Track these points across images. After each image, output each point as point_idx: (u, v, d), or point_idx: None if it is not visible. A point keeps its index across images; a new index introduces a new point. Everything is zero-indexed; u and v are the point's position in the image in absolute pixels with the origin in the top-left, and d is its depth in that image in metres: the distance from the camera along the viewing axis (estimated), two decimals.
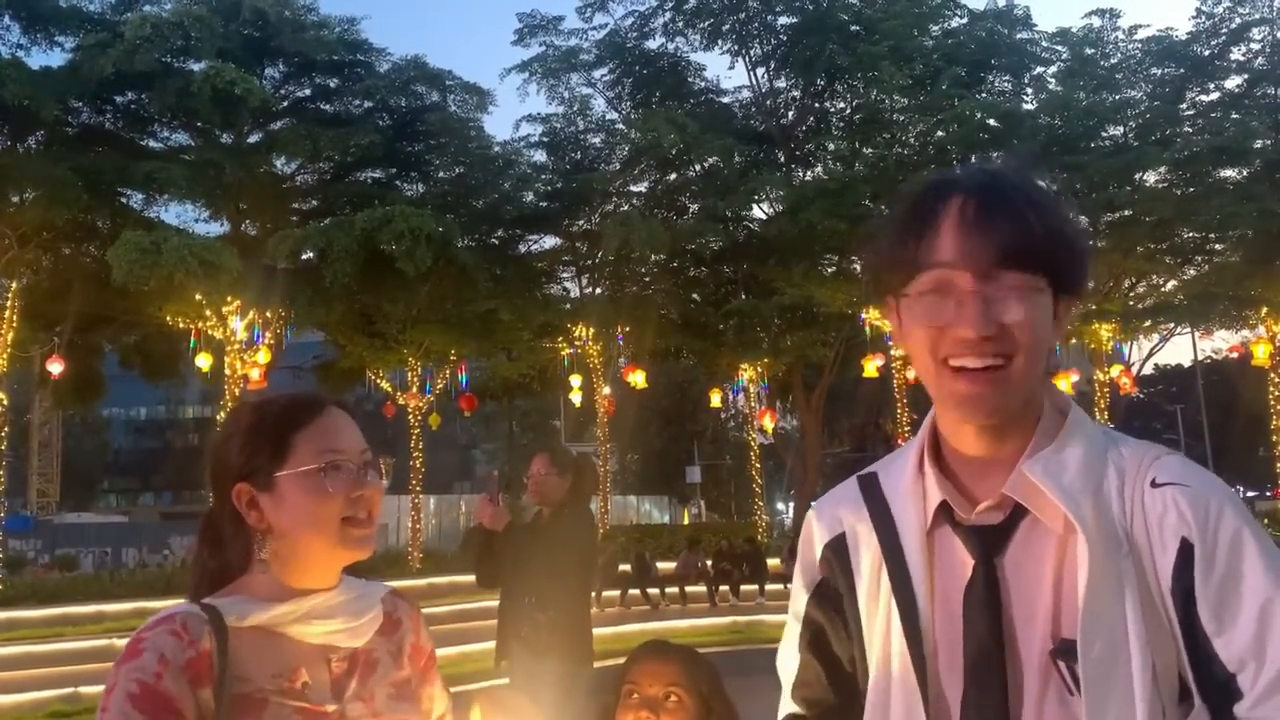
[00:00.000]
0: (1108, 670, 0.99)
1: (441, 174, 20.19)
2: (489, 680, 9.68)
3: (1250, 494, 35.06)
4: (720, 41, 22.13)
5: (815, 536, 1.24)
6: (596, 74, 21.96)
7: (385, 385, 19.98)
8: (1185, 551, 1.02)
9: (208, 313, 16.03)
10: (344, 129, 18.10)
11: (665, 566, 17.79)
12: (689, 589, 16.62)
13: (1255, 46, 19.60)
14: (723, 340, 20.53)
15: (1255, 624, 0.99)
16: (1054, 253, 1.06)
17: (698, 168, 21.35)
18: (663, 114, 19.47)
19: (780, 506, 41.92)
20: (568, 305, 20.86)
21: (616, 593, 15.54)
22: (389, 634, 1.45)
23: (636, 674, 1.95)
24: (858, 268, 20.95)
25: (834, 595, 1.20)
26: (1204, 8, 19.54)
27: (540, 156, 21.53)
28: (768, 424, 22.54)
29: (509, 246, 20.84)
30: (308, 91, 19.53)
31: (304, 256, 16.80)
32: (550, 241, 21.52)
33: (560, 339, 20.46)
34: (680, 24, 21.99)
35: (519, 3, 50.17)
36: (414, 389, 19.43)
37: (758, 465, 22.06)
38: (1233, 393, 30.54)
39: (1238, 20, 19.43)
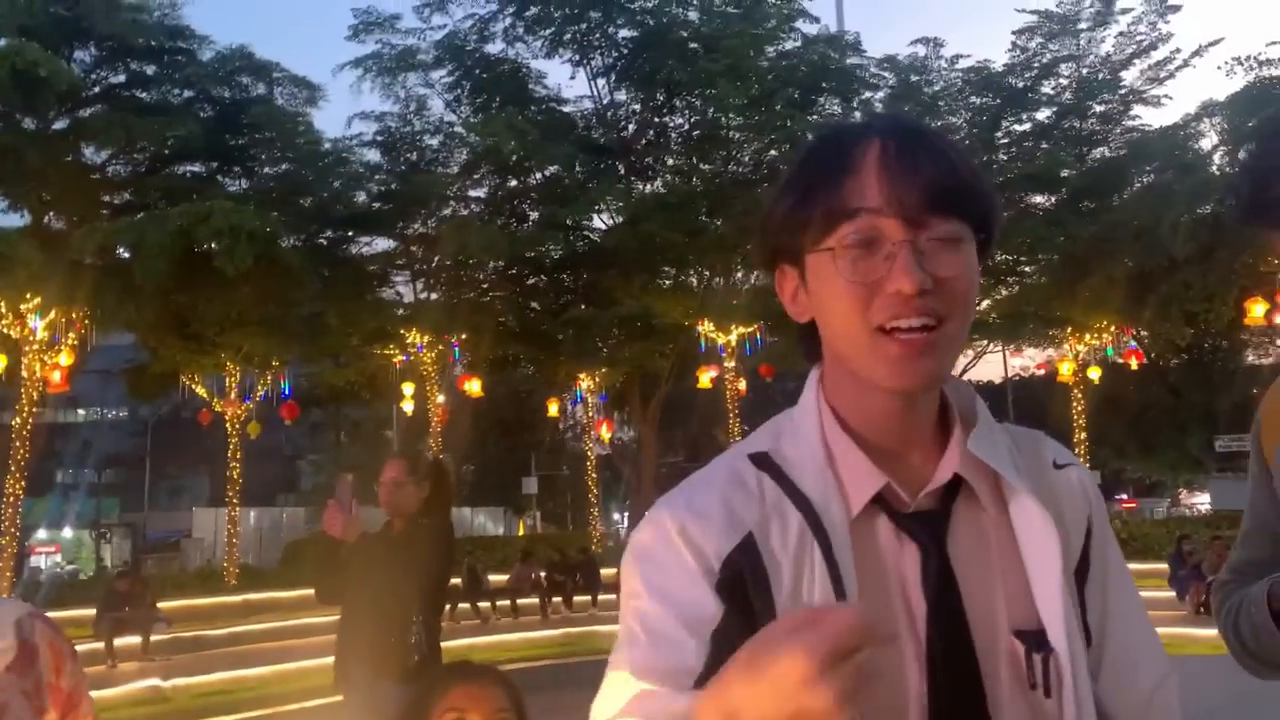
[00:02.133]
0: (1078, 659, 0.96)
1: (267, 169, 19.33)
2: (309, 701, 9.23)
3: None
4: (561, 50, 22.08)
5: (702, 544, 0.95)
6: (434, 75, 21.52)
7: (201, 391, 18.91)
8: (1089, 531, 1.04)
9: (3, 309, 14.80)
10: (161, 118, 17.09)
11: (499, 579, 17.50)
12: (521, 601, 16.39)
13: (1064, 81, 21.01)
14: (561, 349, 20.43)
15: (1108, 600, 1.04)
16: (977, 198, 0.95)
17: (538, 175, 21.21)
18: (503, 119, 19.23)
19: (616, 516, 42.11)
20: (400, 310, 20.30)
21: (445, 606, 15.17)
22: (23, 669, 1.19)
23: (459, 699, 1.82)
24: (695, 280, 21.32)
25: (745, 606, 0.95)
26: (1019, 42, 20.81)
27: (374, 156, 20.92)
28: (605, 434, 22.54)
29: (339, 247, 20.12)
30: (123, 78, 18.37)
31: (117, 252, 15.77)
32: (383, 244, 20.93)
33: (392, 345, 19.88)
34: (521, 30, 21.82)
35: None
36: (232, 395, 18.46)
37: (594, 475, 22.02)
38: (1040, 408, 32.53)
39: (1048, 56, 20.77)
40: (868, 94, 22.10)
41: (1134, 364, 21.08)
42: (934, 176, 0.92)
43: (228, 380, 18.47)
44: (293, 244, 17.28)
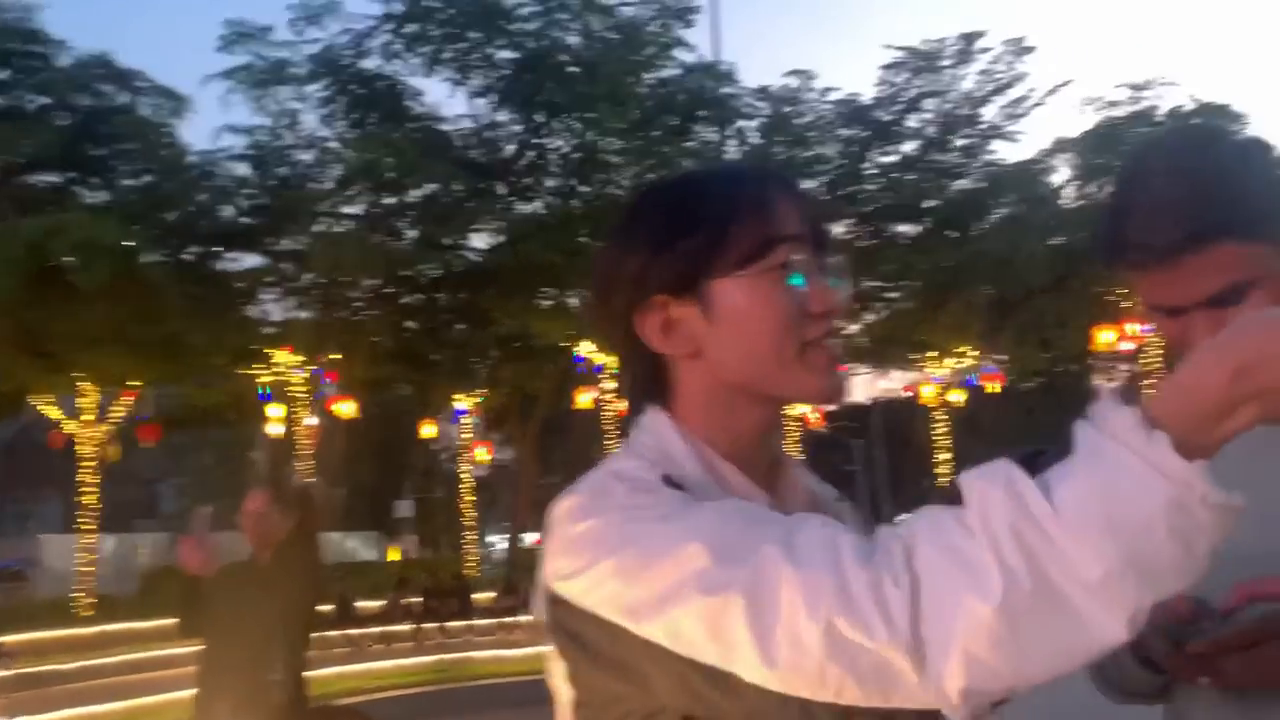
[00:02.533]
0: None
1: (128, 181, 18.50)
2: None
3: None
4: (440, 69, 21.87)
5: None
6: (308, 89, 21.01)
7: (53, 412, 17.93)
8: None
9: None
10: (13, 125, 16.22)
11: (370, 605, 17.07)
12: (395, 628, 16.03)
13: (928, 116, 21.89)
14: (438, 370, 20.14)
15: None
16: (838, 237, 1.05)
17: (415, 193, 20.92)
18: (380, 136, 18.92)
19: (491, 539, 41.61)
20: (269, 329, 19.68)
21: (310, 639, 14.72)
22: None
23: None
24: (574, 301, 21.35)
25: None
26: (886, 77, 21.62)
27: (244, 169, 20.25)
28: (484, 456, 22.31)
29: (204, 263, 19.38)
30: None
31: None
32: (252, 260, 20.25)
33: (259, 365, 19.24)
34: (399, 47, 21.52)
35: (225, 7, 47.49)
36: (86, 417, 17.56)
37: (472, 498, 21.75)
38: (905, 429, 33.68)
39: (914, 91, 21.64)
40: (742, 123, 22.60)
41: (993, 387, 22.05)
42: (827, 214, 1.01)
43: (77, 401, 17.56)
44: (155, 259, 16.58)
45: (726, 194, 0.99)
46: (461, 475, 22.37)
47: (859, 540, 0.76)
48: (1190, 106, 20.22)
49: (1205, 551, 0.68)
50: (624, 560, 0.83)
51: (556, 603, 0.89)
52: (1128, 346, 19.55)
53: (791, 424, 22.00)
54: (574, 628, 0.88)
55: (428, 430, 23.30)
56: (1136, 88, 20.51)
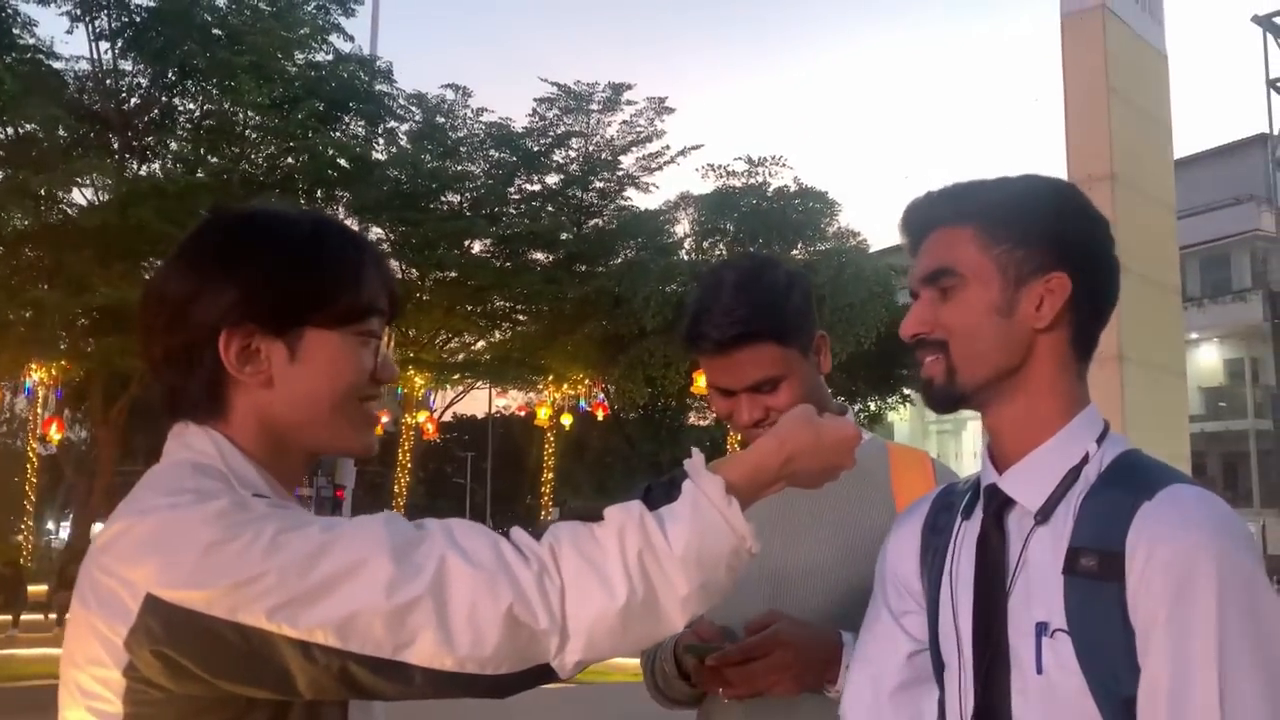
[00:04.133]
0: None
1: None
2: None
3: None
4: (59, 1, 19.62)
5: None
6: None
7: None
8: None
9: None
10: None
11: None
12: None
13: (572, 153, 22.93)
14: (14, 333, 17.87)
15: None
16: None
17: (10, 131, 18.53)
18: None
19: (51, 526, 37.19)
20: None
21: None
22: None
23: None
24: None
25: None
26: (539, 110, 22.40)
27: None
28: (54, 434, 20.00)
29: None
30: None
31: None
32: None
33: None
34: None
35: None
36: None
37: (34, 479, 19.42)
38: (517, 446, 34.59)
39: (562, 128, 22.59)
40: (394, 124, 22.36)
41: (600, 415, 23.38)
42: (402, 295, 1.20)
43: None
44: None
45: (340, 254, 1.08)
46: (24, 452, 19.93)
47: (510, 544, 0.95)
48: (794, 188, 22.80)
49: (737, 580, 1.00)
50: (286, 570, 0.89)
51: (164, 609, 0.90)
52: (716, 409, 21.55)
53: (408, 433, 21.93)
54: (190, 635, 0.90)
55: None
56: (753, 163, 22.80)
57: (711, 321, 1.49)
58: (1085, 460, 1.08)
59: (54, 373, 18.84)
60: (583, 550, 0.95)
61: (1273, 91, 29.49)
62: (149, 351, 1.08)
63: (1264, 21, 28.52)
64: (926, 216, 1.17)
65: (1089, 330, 1.13)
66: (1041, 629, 1.04)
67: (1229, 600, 0.96)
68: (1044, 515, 1.07)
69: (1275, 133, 29.76)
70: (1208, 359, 31.78)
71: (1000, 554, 1.10)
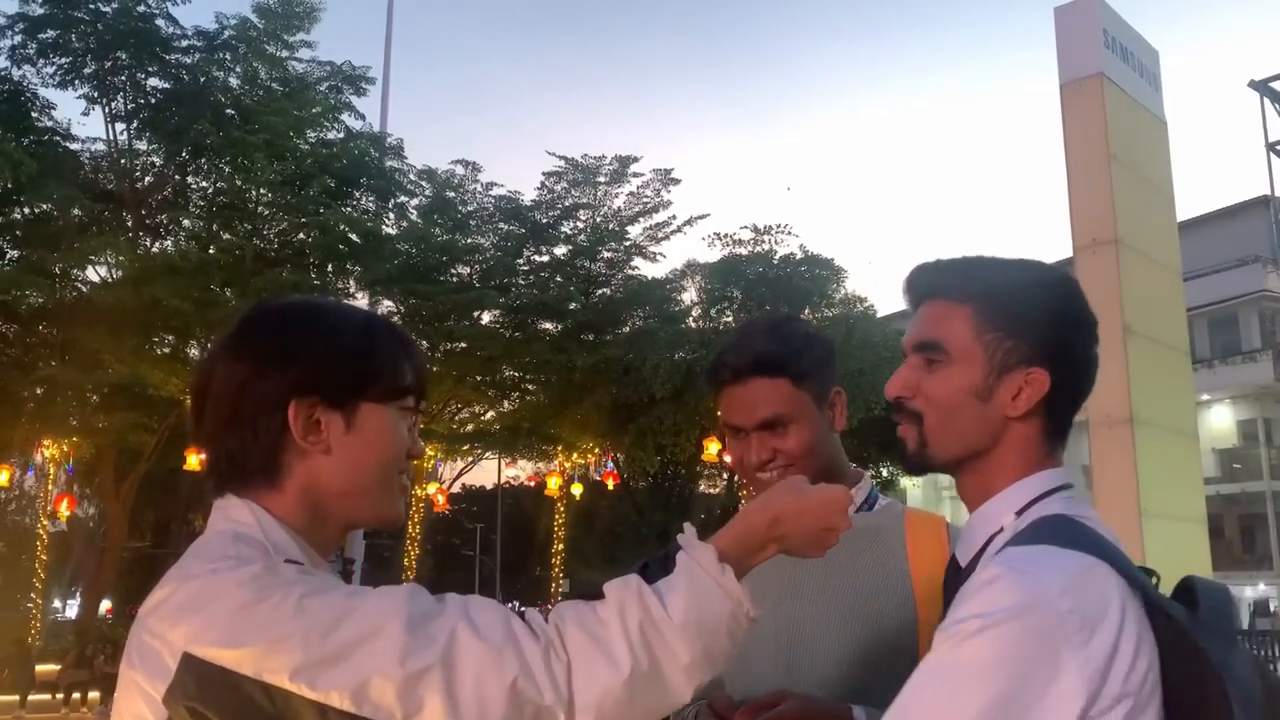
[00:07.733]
0: None
1: None
2: None
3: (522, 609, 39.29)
4: (78, 84, 20.13)
5: None
6: None
7: None
8: None
9: None
10: None
11: None
12: None
13: (580, 225, 23.21)
14: (25, 409, 17.96)
15: None
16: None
17: (28, 211, 18.86)
18: None
19: (57, 604, 36.91)
20: None
21: None
22: None
23: None
24: (194, 352, 19.98)
25: None
26: (547, 183, 22.74)
27: None
28: (64, 510, 19.96)
29: None
30: None
31: None
32: None
33: None
34: (32, 52, 19.62)
35: None
36: None
37: (44, 556, 19.33)
38: (527, 517, 34.37)
39: (570, 200, 22.89)
40: (404, 199, 22.69)
41: (610, 484, 23.26)
42: (428, 378, 1.26)
43: None
44: None
45: (389, 338, 1.20)
46: (34, 529, 19.86)
47: (521, 621, 1.00)
48: (800, 255, 22.96)
49: (739, 643, 1.03)
50: (309, 633, 0.95)
51: (197, 666, 0.96)
52: (729, 459, 21.46)
53: (418, 505, 21.84)
54: (220, 692, 0.95)
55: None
56: (759, 230, 23.02)
57: (733, 351, 1.60)
58: (1001, 530, 1.11)
59: (65, 449, 18.88)
60: (586, 626, 1.00)
61: (1273, 155, 29.73)
62: (207, 422, 1.14)
63: (1261, 86, 28.83)
64: (930, 284, 1.21)
65: (1061, 422, 1.16)
66: None
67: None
68: (966, 576, 1.09)
69: (1277, 194, 29.94)
70: (1220, 420, 31.57)
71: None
